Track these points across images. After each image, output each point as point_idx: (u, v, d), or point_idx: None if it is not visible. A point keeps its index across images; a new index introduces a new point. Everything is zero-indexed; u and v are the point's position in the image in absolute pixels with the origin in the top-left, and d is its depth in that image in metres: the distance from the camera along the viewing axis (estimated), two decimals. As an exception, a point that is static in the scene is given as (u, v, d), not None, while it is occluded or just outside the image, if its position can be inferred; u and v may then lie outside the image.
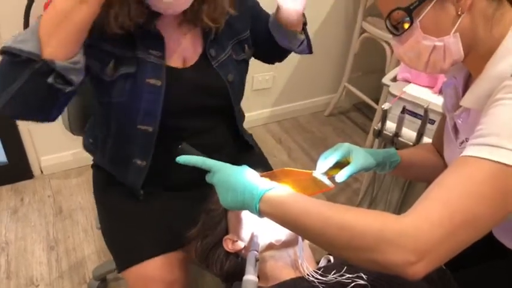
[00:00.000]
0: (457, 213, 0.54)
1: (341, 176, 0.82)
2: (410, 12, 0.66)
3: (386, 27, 0.71)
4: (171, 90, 0.92)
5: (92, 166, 1.17)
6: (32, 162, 2.00)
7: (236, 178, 0.69)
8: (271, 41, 1.09)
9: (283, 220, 0.65)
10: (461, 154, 0.59)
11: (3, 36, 1.62)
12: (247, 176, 0.69)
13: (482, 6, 0.65)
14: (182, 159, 0.76)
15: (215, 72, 0.98)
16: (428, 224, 0.54)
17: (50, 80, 0.74)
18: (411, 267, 0.53)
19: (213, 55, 0.98)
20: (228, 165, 0.73)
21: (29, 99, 0.76)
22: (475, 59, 0.70)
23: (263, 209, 0.66)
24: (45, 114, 0.83)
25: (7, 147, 1.90)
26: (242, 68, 1.07)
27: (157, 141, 0.96)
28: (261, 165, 1.19)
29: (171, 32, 0.93)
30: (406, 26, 0.67)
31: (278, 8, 1.02)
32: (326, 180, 0.83)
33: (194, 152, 0.78)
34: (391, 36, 0.73)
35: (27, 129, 1.89)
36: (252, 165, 0.78)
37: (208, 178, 0.74)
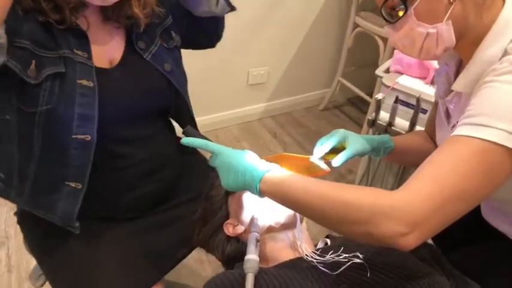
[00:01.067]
0: (446, 189, 0.58)
1: (337, 160, 0.85)
2: (405, 0, 0.69)
3: (382, 15, 0.73)
4: (103, 93, 0.83)
5: (19, 221, 1.01)
6: None
7: (237, 160, 0.72)
8: (192, 18, 1.01)
9: (282, 198, 0.68)
10: (452, 134, 0.63)
11: None
12: (248, 158, 0.72)
13: None
14: (186, 140, 0.78)
15: (149, 65, 0.92)
16: (419, 198, 0.57)
17: None
18: (403, 238, 0.57)
19: (142, 47, 0.92)
20: (229, 148, 0.76)
21: None
22: (466, 45, 0.72)
23: (263, 189, 0.69)
24: None
25: None
26: (176, 56, 1.01)
27: (94, 156, 0.83)
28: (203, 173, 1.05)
29: (93, 30, 0.86)
30: (401, 13, 0.70)
31: None
32: (323, 165, 0.86)
33: (198, 135, 0.80)
34: (385, 27, 0.76)
35: None
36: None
37: (211, 161, 0.77)
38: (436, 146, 0.95)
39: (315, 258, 0.74)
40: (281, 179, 0.68)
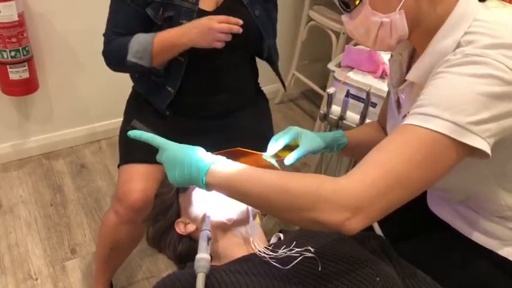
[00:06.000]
0: (390, 175, 0.59)
1: (289, 158, 0.85)
2: None
3: (339, 3, 0.74)
4: None
5: (132, 87, 1.38)
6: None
7: (183, 154, 0.70)
8: None
9: (228, 189, 0.67)
10: (402, 123, 0.64)
11: None
12: (193, 152, 0.70)
13: None
14: (133, 133, 0.76)
15: (245, 9, 1.19)
16: (363, 183, 0.59)
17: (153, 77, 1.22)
18: (347, 222, 0.58)
19: None
20: (176, 143, 0.73)
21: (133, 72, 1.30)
22: (419, 36, 0.74)
23: (209, 182, 0.67)
24: None
25: None
26: (269, 8, 1.26)
27: (186, 71, 1.19)
28: (266, 124, 1.42)
29: None
30: (357, 2, 0.71)
31: None
32: (274, 163, 0.86)
33: (145, 129, 0.78)
34: (342, 16, 0.77)
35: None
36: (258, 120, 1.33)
37: (158, 157, 0.74)
38: (387, 135, 0.97)
39: (268, 254, 0.74)
40: (227, 171, 0.67)
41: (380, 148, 0.63)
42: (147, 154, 1.02)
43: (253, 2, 1.20)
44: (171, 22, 1.15)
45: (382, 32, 0.73)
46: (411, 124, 0.62)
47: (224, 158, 0.72)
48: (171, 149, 0.72)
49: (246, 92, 1.35)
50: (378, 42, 0.75)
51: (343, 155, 1.01)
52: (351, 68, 1.48)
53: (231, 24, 1.08)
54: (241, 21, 1.09)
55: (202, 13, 1.15)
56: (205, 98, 1.26)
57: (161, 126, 1.18)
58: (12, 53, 1.66)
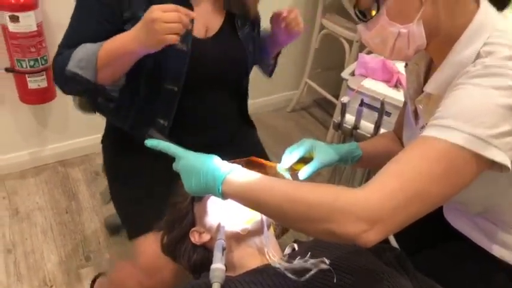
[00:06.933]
0: (409, 188, 0.58)
1: (304, 172, 0.85)
2: None
3: (355, 13, 0.74)
4: (194, 57, 1.01)
5: (104, 147, 1.23)
6: (-15, 162, 1.91)
7: (199, 163, 0.71)
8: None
9: (244, 199, 0.67)
10: (420, 134, 0.63)
11: None
12: (209, 161, 0.71)
13: None
14: (150, 142, 0.77)
15: (240, 42, 1.08)
16: (381, 195, 0.58)
17: (99, 100, 1.04)
18: (364, 234, 0.57)
19: (239, 25, 1.08)
20: (192, 152, 0.74)
21: (83, 96, 1.15)
22: (437, 46, 0.73)
23: (225, 191, 0.68)
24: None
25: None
26: (255, 43, 1.16)
27: (178, 103, 1.05)
28: (255, 149, 1.27)
29: (199, 1, 1.03)
30: (374, 12, 0.71)
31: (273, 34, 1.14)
32: (288, 176, 0.86)
33: (161, 138, 0.79)
34: (358, 26, 0.76)
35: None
36: (248, 146, 1.07)
37: (174, 166, 0.75)
38: (403, 146, 0.97)
39: (282, 265, 0.74)
40: (243, 180, 0.67)
41: (398, 160, 0.63)
42: (158, 215, 0.91)
43: (247, 37, 1.12)
44: (163, 48, 0.93)
45: (399, 43, 0.72)
46: (430, 136, 0.62)
47: (240, 166, 0.72)
48: (188, 158, 0.73)
49: (233, 126, 1.23)
50: (394, 53, 0.75)
51: (357, 166, 1.01)
52: (365, 77, 1.48)
53: (181, 13, 0.86)
54: (193, 14, 0.90)
55: (196, 40, 1.02)
56: (196, 134, 1.12)
57: (149, 167, 1.07)
58: (31, 63, 1.69)
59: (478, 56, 0.67)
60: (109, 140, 1.21)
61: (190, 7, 0.98)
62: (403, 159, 0.62)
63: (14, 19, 1.56)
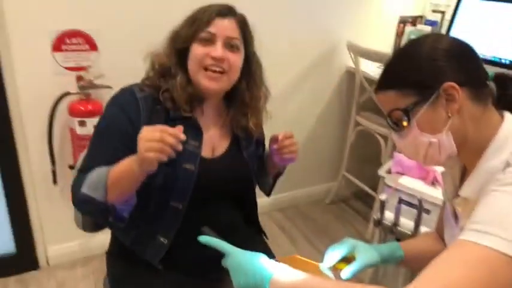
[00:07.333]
0: None
1: (346, 272, 0.88)
2: (408, 112, 0.77)
3: (388, 123, 0.81)
4: (201, 176, 1.04)
5: (108, 257, 1.22)
6: (39, 252, 2.02)
7: (248, 261, 0.76)
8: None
9: None
10: (459, 237, 0.67)
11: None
12: (258, 260, 0.76)
13: (470, 110, 0.76)
14: (204, 239, 0.83)
15: (245, 161, 1.13)
16: None
17: (110, 219, 1.00)
18: None
19: (244, 145, 1.14)
20: (241, 250, 0.80)
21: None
22: (468, 154, 0.79)
23: None
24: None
25: (17, 236, 1.95)
26: (259, 161, 1.23)
27: (182, 220, 1.06)
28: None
29: (207, 124, 1.10)
30: (405, 124, 0.78)
31: (271, 155, 1.16)
32: (331, 275, 0.89)
33: (213, 235, 0.85)
34: (391, 134, 0.84)
35: (38, 217, 1.95)
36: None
37: (223, 262, 0.81)
38: (445, 246, 0.97)
39: None
40: (289, 280, 0.71)
41: (438, 263, 0.65)
42: None
43: (252, 156, 1.17)
44: (173, 166, 0.99)
45: (431, 151, 0.78)
46: (468, 240, 0.65)
47: (285, 265, 0.76)
48: (237, 256, 0.78)
49: (239, 237, 1.14)
50: (427, 159, 0.81)
51: (401, 266, 1.02)
52: (402, 174, 1.52)
53: (165, 134, 0.86)
54: (181, 135, 0.87)
55: (204, 160, 1.06)
56: (198, 248, 1.12)
57: (150, 283, 1.07)
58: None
59: (508, 164, 0.71)
60: (114, 252, 1.21)
61: (200, 132, 1.07)
62: (443, 262, 0.65)
63: (82, 124, 1.78)
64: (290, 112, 2.40)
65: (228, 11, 1.04)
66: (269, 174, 1.26)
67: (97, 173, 0.97)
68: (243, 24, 1.06)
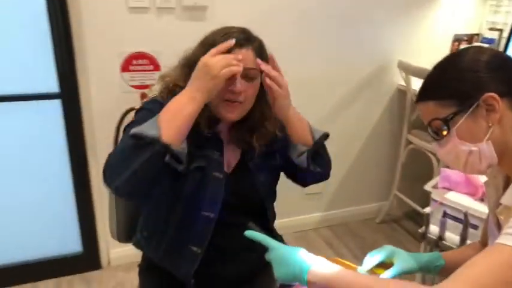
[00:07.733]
0: None
1: (384, 277, 0.91)
2: (447, 122, 0.79)
3: (429, 133, 0.84)
4: (227, 184, 1.08)
5: (139, 271, 1.23)
6: (103, 253, 2.20)
7: (289, 255, 0.82)
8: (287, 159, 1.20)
9: (328, 286, 0.75)
10: (495, 241, 0.69)
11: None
12: (297, 253, 0.82)
13: (510, 120, 0.77)
14: (249, 233, 0.89)
15: (250, 172, 1.12)
16: None
17: (167, 159, 0.90)
18: None
19: (249, 158, 1.13)
20: (283, 245, 0.86)
21: (148, 175, 0.90)
22: (509, 163, 0.80)
23: (310, 280, 0.77)
24: (150, 195, 1.04)
25: (84, 238, 2.14)
26: (272, 173, 1.19)
27: (213, 231, 1.07)
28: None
29: (227, 142, 1.13)
30: (445, 133, 0.80)
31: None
32: None
33: (258, 231, 0.91)
34: (432, 143, 0.86)
35: (103, 221, 2.12)
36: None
37: (267, 255, 0.87)
38: None
39: None
40: (326, 271, 0.77)
41: (472, 264, 0.68)
42: None
43: (259, 168, 1.15)
44: (203, 174, 1.05)
45: (471, 159, 0.79)
46: (502, 243, 0.67)
47: (324, 259, 0.82)
48: (279, 250, 0.85)
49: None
50: (468, 167, 0.82)
51: (442, 275, 1.02)
52: (449, 190, 1.51)
53: (228, 57, 0.95)
54: (239, 56, 0.97)
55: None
56: (225, 263, 1.13)
57: None
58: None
59: None
60: (143, 267, 1.23)
61: (220, 142, 1.10)
62: (476, 263, 0.68)
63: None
64: (340, 131, 2.43)
65: (245, 41, 1.02)
66: (294, 141, 1.14)
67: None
68: (259, 50, 1.04)
